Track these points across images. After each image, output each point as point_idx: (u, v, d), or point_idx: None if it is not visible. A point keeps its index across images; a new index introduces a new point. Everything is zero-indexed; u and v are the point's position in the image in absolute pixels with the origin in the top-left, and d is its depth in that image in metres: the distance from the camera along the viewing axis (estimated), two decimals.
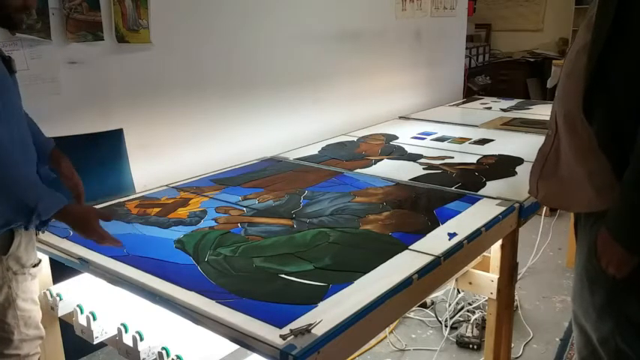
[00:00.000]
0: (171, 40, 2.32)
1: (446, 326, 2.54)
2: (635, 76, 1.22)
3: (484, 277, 2.00)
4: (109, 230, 1.72)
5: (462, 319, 2.58)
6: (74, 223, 1.43)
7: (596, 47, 1.27)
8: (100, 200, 1.97)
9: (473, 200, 1.93)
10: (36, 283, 1.52)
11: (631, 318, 1.33)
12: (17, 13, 1.37)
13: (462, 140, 2.84)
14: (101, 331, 1.48)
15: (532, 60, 6.65)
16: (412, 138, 2.92)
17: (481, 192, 2.02)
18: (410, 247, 1.56)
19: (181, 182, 2.21)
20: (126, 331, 1.39)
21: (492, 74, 6.24)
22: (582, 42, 1.34)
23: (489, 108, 3.82)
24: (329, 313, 1.22)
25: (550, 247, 3.29)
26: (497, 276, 1.95)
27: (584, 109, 1.31)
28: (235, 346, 1.25)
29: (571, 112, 1.36)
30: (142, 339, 1.36)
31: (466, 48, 4.91)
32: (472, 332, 2.47)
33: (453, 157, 2.51)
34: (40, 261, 1.53)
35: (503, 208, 1.82)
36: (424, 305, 2.72)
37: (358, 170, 2.34)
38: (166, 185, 2.18)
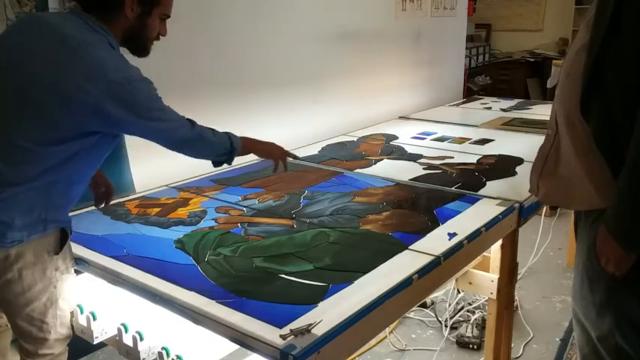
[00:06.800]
0: (171, 40, 2.31)
1: (446, 326, 2.54)
2: (630, 75, 1.23)
3: (484, 277, 2.00)
4: (109, 230, 1.73)
5: (462, 319, 2.58)
6: (263, 147, 1.69)
7: (593, 47, 1.27)
8: None
9: (473, 200, 1.93)
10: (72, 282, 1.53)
11: (630, 316, 1.33)
12: (151, 42, 1.51)
13: (462, 140, 2.84)
14: (101, 331, 1.47)
15: (532, 60, 6.64)
16: (412, 138, 2.92)
17: (481, 192, 2.02)
18: (410, 247, 1.56)
19: (181, 182, 2.22)
20: (126, 331, 1.39)
21: (492, 74, 6.23)
22: (581, 41, 1.34)
23: (489, 108, 3.82)
24: (329, 313, 1.22)
25: (550, 247, 3.28)
26: (497, 276, 1.96)
27: (582, 108, 1.31)
28: (235, 346, 1.25)
29: (570, 111, 1.36)
30: (142, 339, 1.35)
31: (466, 48, 4.90)
32: (472, 332, 2.46)
33: (453, 157, 2.50)
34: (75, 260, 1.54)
35: (503, 208, 1.82)
36: (424, 305, 2.72)
37: (358, 170, 2.34)
38: (166, 185, 2.18)
